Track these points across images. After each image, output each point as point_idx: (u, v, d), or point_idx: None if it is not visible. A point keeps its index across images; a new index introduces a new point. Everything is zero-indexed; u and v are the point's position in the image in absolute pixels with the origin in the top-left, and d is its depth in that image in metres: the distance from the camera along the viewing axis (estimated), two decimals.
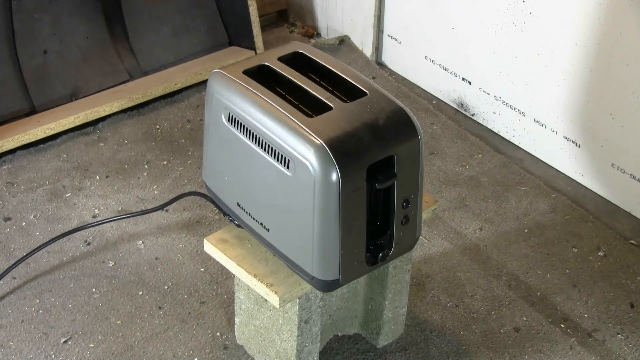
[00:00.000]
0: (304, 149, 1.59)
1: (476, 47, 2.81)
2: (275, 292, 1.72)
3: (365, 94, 1.72)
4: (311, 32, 3.43)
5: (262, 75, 1.77)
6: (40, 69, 2.78)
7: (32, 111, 2.78)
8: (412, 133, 1.68)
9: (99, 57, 2.90)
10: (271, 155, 1.65)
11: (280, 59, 1.81)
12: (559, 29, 2.53)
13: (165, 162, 2.67)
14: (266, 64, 1.79)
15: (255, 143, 1.68)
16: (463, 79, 2.92)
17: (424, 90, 3.09)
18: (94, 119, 2.81)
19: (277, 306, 1.73)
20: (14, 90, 2.74)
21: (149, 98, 2.91)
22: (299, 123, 1.62)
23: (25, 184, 2.56)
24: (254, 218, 1.76)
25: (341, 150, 1.59)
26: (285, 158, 1.63)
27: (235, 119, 1.71)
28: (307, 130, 1.60)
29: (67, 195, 2.53)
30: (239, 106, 1.70)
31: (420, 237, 2.41)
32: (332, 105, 1.67)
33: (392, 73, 3.18)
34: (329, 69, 1.79)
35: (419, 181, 1.73)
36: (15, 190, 2.54)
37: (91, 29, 2.88)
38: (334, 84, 1.77)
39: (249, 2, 3.07)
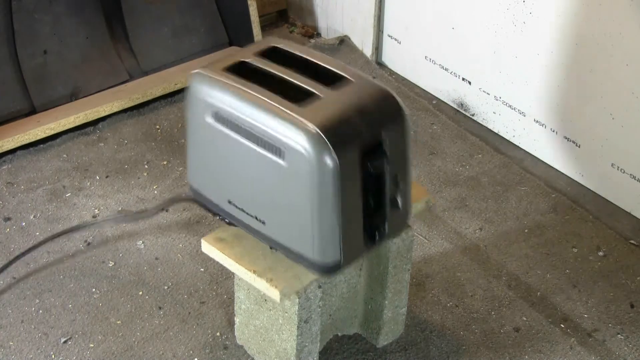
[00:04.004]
0: (298, 136, 1.59)
1: (476, 47, 2.81)
2: (275, 287, 1.72)
3: (350, 80, 1.74)
4: (311, 32, 3.43)
5: (243, 72, 1.77)
6: (40, 69, 2.78)
7: (32, 111, 2.78)
8: (400, 114, 1.72)
9: (99, 57, 2.90)
10: (264, 147, 1.65)
11: (258, 54, 1.80)
12: (559, 29, 2.53)
13: (165, 162, 2.67)
14: (244, 60, 1.78)
15: (246, 138, 1.68)
16: (463, 79, 2.92)
17: (424, 90, 3.09)
18: (94, 119, 2.81)
19: (278, 300, 1.73)
20: (14, 90, 2.74)
21: (149, 98, 2.91)
22: (289, 112, 1.62)
23: (25, 184, 2.57)
24: (247, 213, 1.76)
25: (335, 135, 1.60)
26: (278, 148, 1.63)
27: (222, 116, 1.70)
28: (299, 118, 1.61)
29: (67, 195, 2.53)
30: (226, 103, 1.69)
31: (420, 237, 2.41)
32: (319, 93, 1.68)
33: (392, 73, 3.18)
34: (308, 59, 1.80)
35: (407, 160, 1.76)
36: (15, 190, 2.54)
37: (91, 29, 2.88)
38: (316, 74, 1.77)
39: (249, 2, 3.08)
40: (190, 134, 1.80)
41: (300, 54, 1.81)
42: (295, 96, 1.68)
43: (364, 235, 1.72)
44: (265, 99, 1.66)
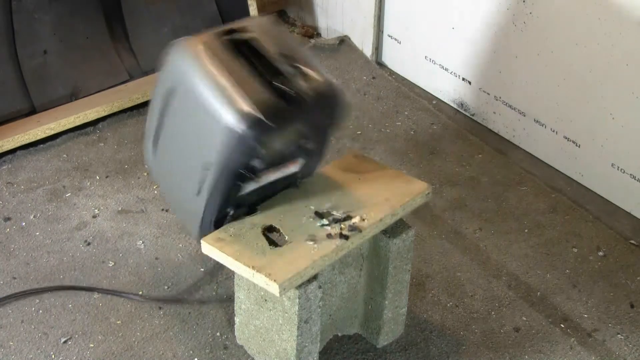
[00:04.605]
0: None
1: (476, 47, 2.81)
2: (275, 281, 1.72)
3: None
4: (311, 32, 3.43)
5: None
6: (40, 69, 2.78)
7: (32, 111, 2.78)
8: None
9: (99, 57, 2.90)
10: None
11: None
12: (559, 29, 2.53)
13: None
14: None
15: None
16: (463, 79, 2.92)
17: (424, 90, 3.09)
18: (94, 119, 2.81)
19: (277, 295, 1.73)
20: (14, 90, 2.74)
21: (149, 98, 2.90)
22: None
23: (25, 184, 2.56)
24: (201, 170, 1.83)
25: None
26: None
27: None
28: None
29: (67, 195, 2.53)
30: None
31: (420, 237, 2.41)
32: None
33: (392, 73, 3.18)
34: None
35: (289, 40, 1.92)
36: (15, 190, 2.54)
37: (91, 29, 2.88)
38: None
39: (249, 2, 3.08)
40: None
41: None
42: None
43: (272, 92, 1.77)
44: None
